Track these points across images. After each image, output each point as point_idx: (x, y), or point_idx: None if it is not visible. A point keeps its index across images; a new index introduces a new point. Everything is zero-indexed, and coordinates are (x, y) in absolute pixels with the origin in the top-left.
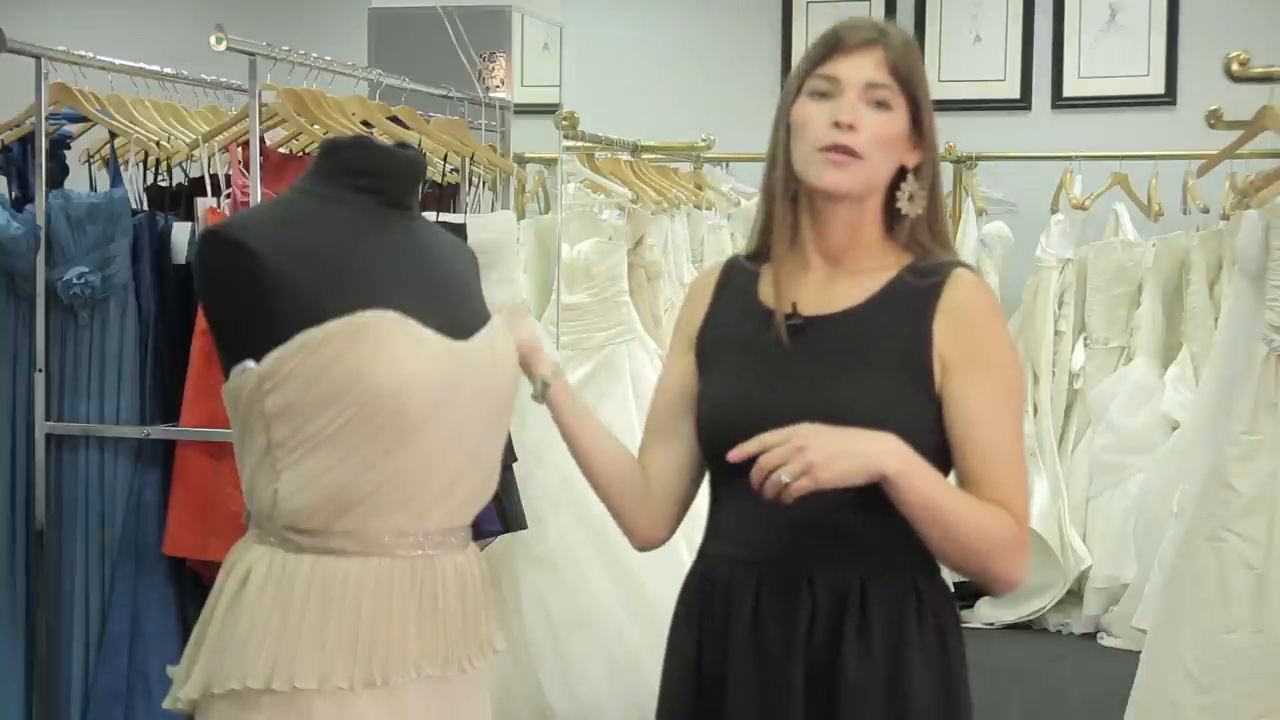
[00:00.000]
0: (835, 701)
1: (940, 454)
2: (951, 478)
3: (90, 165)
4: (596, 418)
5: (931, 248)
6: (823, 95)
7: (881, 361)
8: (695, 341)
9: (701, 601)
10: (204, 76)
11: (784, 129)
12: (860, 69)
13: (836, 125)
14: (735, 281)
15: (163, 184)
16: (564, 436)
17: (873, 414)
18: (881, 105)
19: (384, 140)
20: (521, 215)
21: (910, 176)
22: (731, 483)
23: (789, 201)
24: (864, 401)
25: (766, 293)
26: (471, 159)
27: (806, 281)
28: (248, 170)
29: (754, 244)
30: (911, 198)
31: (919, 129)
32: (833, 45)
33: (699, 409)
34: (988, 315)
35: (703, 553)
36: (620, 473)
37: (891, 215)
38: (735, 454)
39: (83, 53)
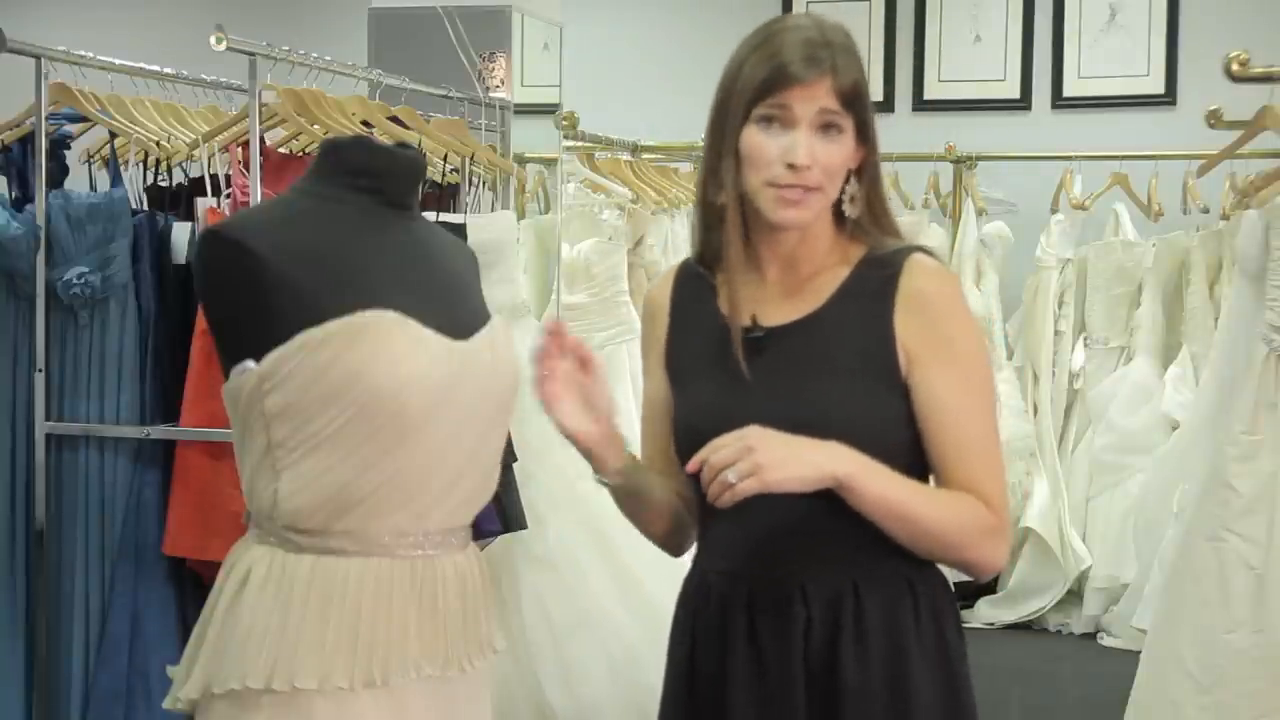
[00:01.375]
0: (837, 708)
1: (914, 448)
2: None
3: (90, 165)
4: (649, 479)
5: (878, 235)
6: (772, 125)
7: (847, 364)
8: (664, 361)
9: (697, 607)
10: (204, 76)
11: (732, 156)
12: (812, 101)
13: (791, 167)
14: (690, 292)
15: (163, 184)
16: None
17: (844, 419)
18: (831, 128)
19: (384, 140)
20: (521, 215)
21: (853, 178)
22: None
23: (739, 219)
24: (834, 408)
25: (725, 304)
26: (471, 159)
27: (764, 290)
28: (248, 170)
29: (699, 251)
30: (853, 199)
31: (863, 135)
32: (782, 78)
33: (675, 433)
34: (948, 300)
35: (696, 571)
36: (672, 521)
37: (839, 211)
38: (693, 464)
39: (83, 53)
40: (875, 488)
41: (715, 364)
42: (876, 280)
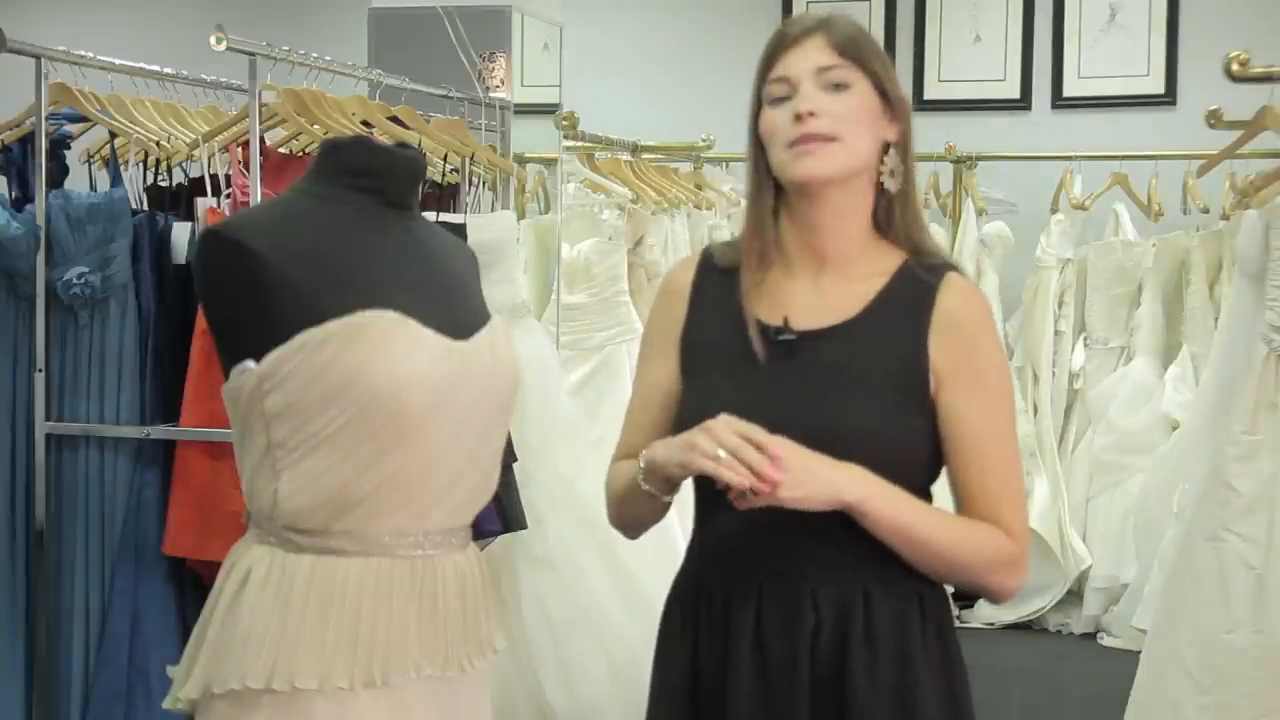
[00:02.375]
0: (842, 713)
1: (931, 466)
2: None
3: (90, 165)
4: None
5: (919, 239)
6: (781, 99)
7: (875, 378)
8: (678, 346)
9: (697, 617)
10: (204, 76)
11: (756, 145)
12: (806, 58)
13: (798, 118)
14: (713, 281)
15: (163, 184)
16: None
17: (864, 431)
18: (840, 86)
19: (384, 140)
20: (521, 215)
21: (891, 150)
22: (723, 499)
23: (770, 214)
24: (855, 419)
25: (752, 301)
26: (471, 159)
27: (795, 290)
28: (248, 170)
29: (733, 249)
30: (893, 173)
31: (888, 101)
32: (776, 46)
33: (682, 423)
34: (982, 324)
35: (694, 569)
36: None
37: (878, 210)
38: (719, 422)
39: (83, 53)
40: (886, 512)
41: (736, 360)
42: (912, 295)
